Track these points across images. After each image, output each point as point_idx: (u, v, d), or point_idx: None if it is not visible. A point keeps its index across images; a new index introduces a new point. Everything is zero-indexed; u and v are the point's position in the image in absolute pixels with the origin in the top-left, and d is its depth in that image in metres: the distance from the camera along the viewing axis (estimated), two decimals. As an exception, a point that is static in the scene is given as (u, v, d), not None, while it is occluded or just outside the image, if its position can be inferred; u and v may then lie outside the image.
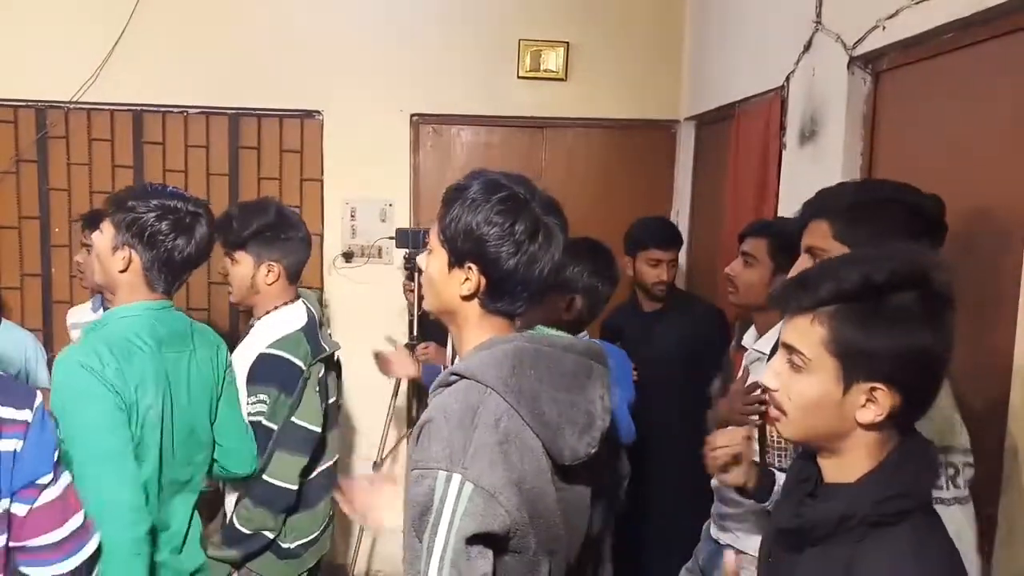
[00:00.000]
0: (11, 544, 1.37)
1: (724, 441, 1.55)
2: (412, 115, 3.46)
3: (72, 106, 3.38)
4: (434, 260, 1.30)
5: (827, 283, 1.01)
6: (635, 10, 3.45)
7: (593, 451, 1.26)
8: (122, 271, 1.73)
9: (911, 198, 1.39)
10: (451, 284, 1.28)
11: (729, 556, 1.32)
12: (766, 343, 1.97)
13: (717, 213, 2.87)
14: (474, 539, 1.12)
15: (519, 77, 3.41)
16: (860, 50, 2.01)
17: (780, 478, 1.57)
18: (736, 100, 2.83)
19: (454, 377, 1.24)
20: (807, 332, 1.03)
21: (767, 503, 1.57)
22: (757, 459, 1.71)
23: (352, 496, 1.52)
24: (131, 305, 1.75)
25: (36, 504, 1.39)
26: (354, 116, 3.40)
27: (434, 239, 1.30)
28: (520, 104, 3.45)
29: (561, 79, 3.42)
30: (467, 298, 1.27)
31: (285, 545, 2.11)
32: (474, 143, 3.59)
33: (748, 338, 2.04)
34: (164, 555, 1.78)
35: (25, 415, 1.39)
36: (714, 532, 1.99)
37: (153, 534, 1.70)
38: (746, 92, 2.75)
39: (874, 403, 1.00)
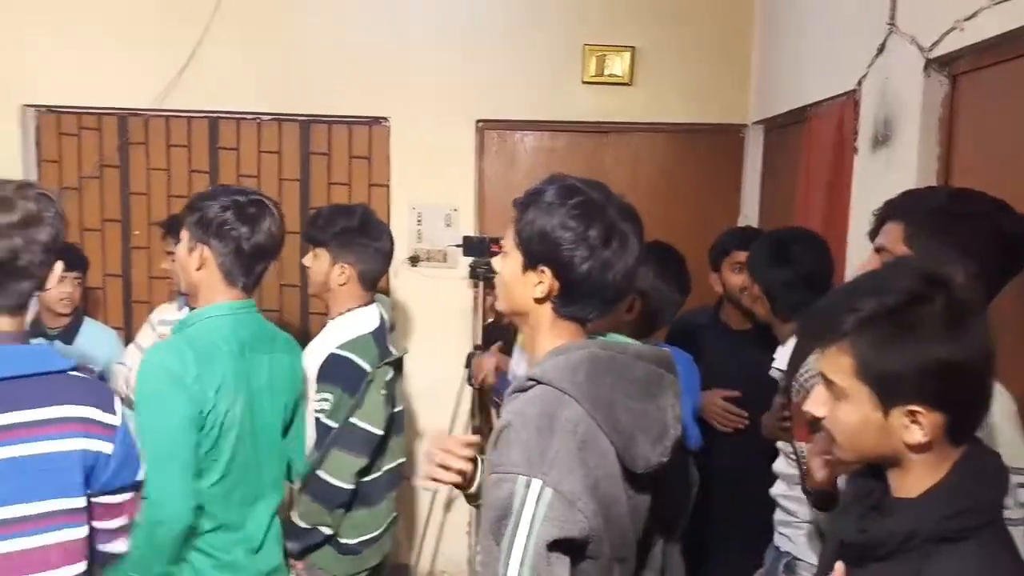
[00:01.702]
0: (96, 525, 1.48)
1: (816, 450, 1.53)
2: (477, 121, 3.49)
3: (152, 114, 3.51)
4: (508, 262, 1.32)
5: (847, 314, 1.01)
6: (702, 13, 3.41)
7: (665, 460, 1.26)
8: (199, 268, 1.81)
9: (1001, 218, 1.32)
10: (524, 286, 1.29)
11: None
12: (782, 360, 1.96)
13: (787, 220, 2.81)
14: (554, 545, 1.13)
15: (584, 82, 3.41)
16: (936, 52, 1.95)
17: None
18: (806, 104, 2.77)
19: (531, 382, 1.25)
20: (837, 362, 1.02)
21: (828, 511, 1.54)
22: None
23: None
24: (215, 305, 1.81)
25: (127, 498, 1.52)
26: (420, 122, 3.45)
27: (509, 241, 1.32)
28: (584, 109, 3.45)
29: (626, 83, 3.40)
30: (540, 301, 1.29)
31: (345, 541, 2.17)
32: (538, 148, 3.60)
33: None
34: (237, 556, 1.83)
35: (113, 419, 1.47)
36: (776, 539, 1.96)
37: (191, 531, 1.75)
38: (817, 96, 2.69)
39: (918, 424, 0.98)
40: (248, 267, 1.83)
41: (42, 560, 1.38)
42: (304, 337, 3.30)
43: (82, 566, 1.45)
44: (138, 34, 3.42)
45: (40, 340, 2.66)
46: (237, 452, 1.79)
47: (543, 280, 1.27)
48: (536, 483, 1.14)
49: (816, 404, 1.08)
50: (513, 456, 1.17)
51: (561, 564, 1.14)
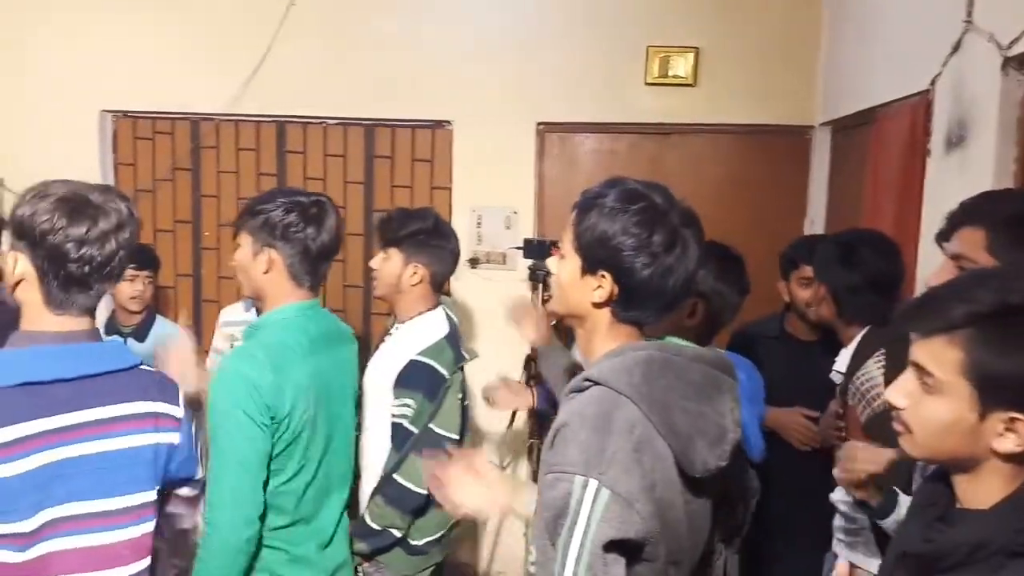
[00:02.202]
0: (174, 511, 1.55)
1: (867, 457, 1.50)
2: (538, 123, 3.50)
3: (222, 119, 3.62)
4: (566, 265, 1.31)
5: (960, 305, 0.96)
6: (768, 12, 3.35)
7: (723, 464, 1.25)
8: (266, 272, 1.81)
9: None
10: (582, 290, 1.28)
11: (842, 568, 1.29)
12: (843, 362, 1.91)
13: (854, 223, 2.74)
14: (610, 545, 1.12)
15: (646, 84, 3.38)
16: (1015, 50, 1.87)
17: (904, 499, 1.50)
18: (876, 105, 2.70)
19: (587, 383, 1.24)
20: (941, 354, 0.97)
21: (887, 521, 1.50)
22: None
23: (442, 481, 1.53)
24: (285, 307, 1.83)
25: (184, 493, 1.57)
26: (482, 125, 3.47)
27: (567, 244, 1.31)
28: (647, 111, 3.42)
29: (690, 84, 3.37)
30: (598, 305, 1.28)
31: (414, 542, 2.19)
32: (599, 150, 3.59)
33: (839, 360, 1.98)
34: (309, 550, 1.87)
35: (177, 411, 1.51)
36: (835, 545, 1.93)
37: (265, 527, 1.79)
38: (887, 96, 2.61)
39: (1014, 433, 0.94)
40: (315, 267, 1.84)
41: (115, 555, 1.41)
42: (366, 337, 3.37)
43: (147, 561, 1.47)
44: (210, 43, 3.53)
45: (115, 337, 2.76)
46: (311, 449, 1.82)
47: (602, 285, 1.26)
48: (593, 483, 1.13)
49: (898, 394, 1.04)
50: (570, 456, 1.16)
51: (617, 565, 1.13)
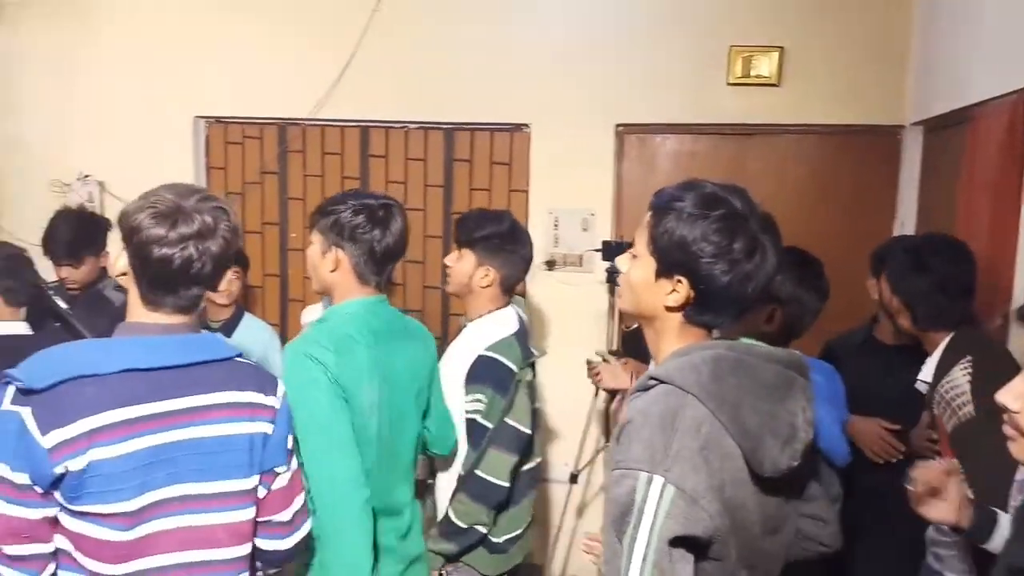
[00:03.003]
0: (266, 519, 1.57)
1: (920, 475, 1.45)
2: (617, 125, 3.48)
3: (309, 123, 3.73)
4: (639, 266, 1.30)
5: None
6: (856, 9, 3.25)
7: (795, 464, 1.22)
8: (333, 271, 1.88)
9: None
10: (656, 293, 1.28)
11: None
12: (928, 370, 1.84)
13: (947, 227, 2.64)
14: (676, 541, 1.12)
15: (728, 84, 3.33)
16: None
17: (1004, 518, 1.44)
18: (972, 103, 2.58)
19: (653, 381, 1.24)
20: None
21: (987, 542, 1.44)
22: (970, 496, 1.56)
23: None
24: (350, 302, 1.90)
25: (273, 488, 1.57)
26: (560, 128, 3.48)
27: (641, 246, 1.30)
28: (728, 111, 3.37)
29: (774, 84, 3.30)
30: (671, 309, 1.27)
31: (495, 540, 2.21)
32: (679, 152, 3.55)
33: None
34: (390, 540, 1.92)
35: (273, 401, 1.56)
36: (928, 558, 1.86)
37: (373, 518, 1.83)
38: (984, 94, 2.50)
39: None
40: (379, 267, 1.90)
41: (209, 537, 1.46)
42: (445, 337, 3.42)
43: (247, 548, 1.53)
44: (297, 51, 3.64)
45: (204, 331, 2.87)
46: (379, 440, 1.86)
47: (677, 290, 1.25)
48: (658, 480, 1.13)
49: (1011, 396, 1.01)
50: (635, 453, 1.17)
51: (684, 561, 1.13)
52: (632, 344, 2.86)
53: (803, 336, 1.96)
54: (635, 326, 2.78)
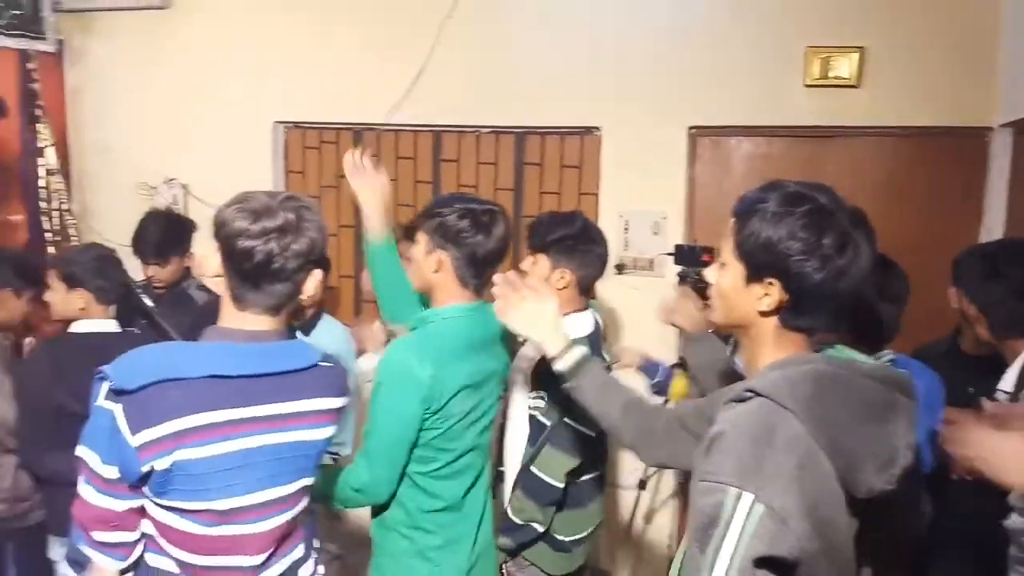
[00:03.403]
0: None
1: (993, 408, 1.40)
2: (690, 128, 3.44)
3: (383, 128, 3.80)
4: (728, 274, 1.28)
5: None
6: (941, 8, 3.14)
7: (890, 488, 1.18)
8: (435, 271, 1.91)
9: None
10: (747, 299, 1.26)
11: None
12: (1009, 380, 1.75)
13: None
14: (761, 561, 1.09)
15: (805, 85, 3.26)
16: None
17: None
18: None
19: (749, 393, 1.21)
20: None
21: None
22: None
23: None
24: (452, 307, 1.93)
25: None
26: (631, 130, 3.46)
27: (728, 253, 1.28)
28: (805, 113, 3.29)
29: (853, 86, 3.21)
30: (765, 314, 1.25)
31: (560, 538, 2.21)
32: (753, 154, 3.48)
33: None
34: (459, 532, 1.96)
35: (338, 403, 1.61)
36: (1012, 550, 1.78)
37: (420, 511, 1.92)
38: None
39: None
40: (480, 271, 1.92)
41: (284, 531, 1.53)
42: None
43: (301, 534, 1.60)
44: (372, 58, 3.71)
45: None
46: (464, 440, 1.91)
47: (770, 293, 1.23)
48: (747, 497, 1.10)
49: None
50: (725, 466, 1.14)
51: None
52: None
53: (891, 344, 1.91)
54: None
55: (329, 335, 3.06)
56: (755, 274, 1.24)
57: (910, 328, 1.99)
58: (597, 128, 3.55)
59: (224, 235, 1.45)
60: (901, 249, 2.03)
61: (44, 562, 2.56)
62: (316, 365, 1.56)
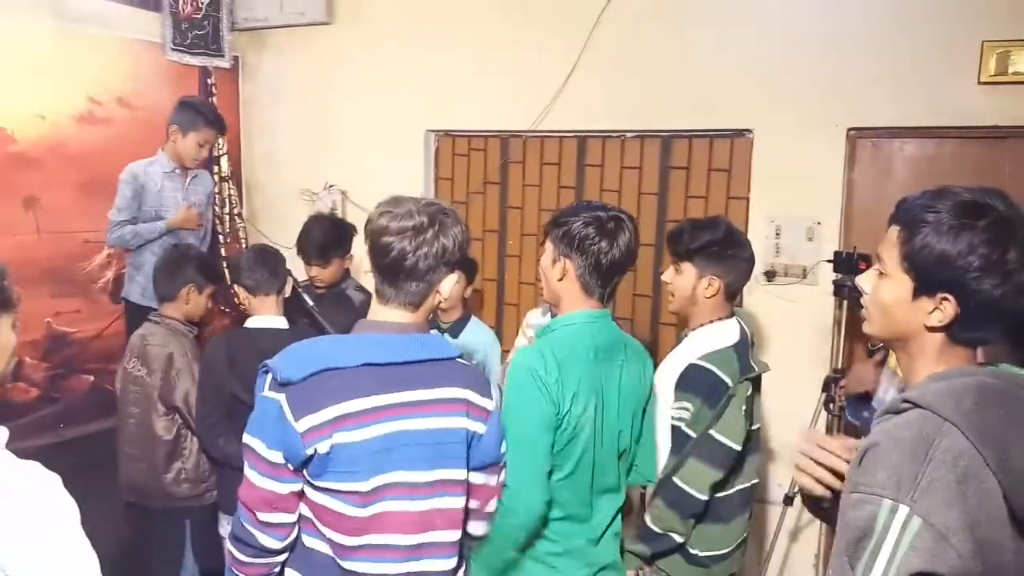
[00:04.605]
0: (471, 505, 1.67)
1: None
2: (848, 129, 3.28)
3: (529, 135, 3.86)
4: (892, 286, 1.22)
5: None
6: None
7: None
8: (560, 279, 1.93)
9: None
10: (914, 313, 1.20)
11: None
12: None
13: None
14: None
15: (980, 83, 3.03)
16: None
17: None
18: None
19: (907, 405, 1.15)
20: None
21: None
22: None
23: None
24: (575, 313, 1.94)
25: (488, 482, 1.69)
26: (785, 133, 3.34)
27: (892, 263, 1.22)
28: (978, 113, 3.06)
29: (1035, 82, 2.96)
30: (933, 329, 1.19)
31: (694, 552, 2.17)
32: (918, 157, 3.27)
33: None
34: (579, 543, 1.95)
35: (488, 404, 1.66)
36: None
37: (541, 522, 1.88)
38: None
39: None
40: (605, 280, 1.92)
41: (430, 522, 1.59)
42: (654, 346, 3.40)
43: (459, 533, 1.65)
44: (520, 67, 3.78)
45: (435, 331, 3.06)
46: (586, 450, 1.90)
47: (942, 308, 1.17)
48: (903, 510, 1.06)
49: None
50: (879, 478, 1.09)
51: None
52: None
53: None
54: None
55: (476, 338, 3.16)
56: (926, 289, 1.18)
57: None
58: (749, 131, 3.45)
59: (369, 232, 1.59)
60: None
61: (215, 539, 2.79)
62: (454, 359, 1.65)
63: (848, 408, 2.61)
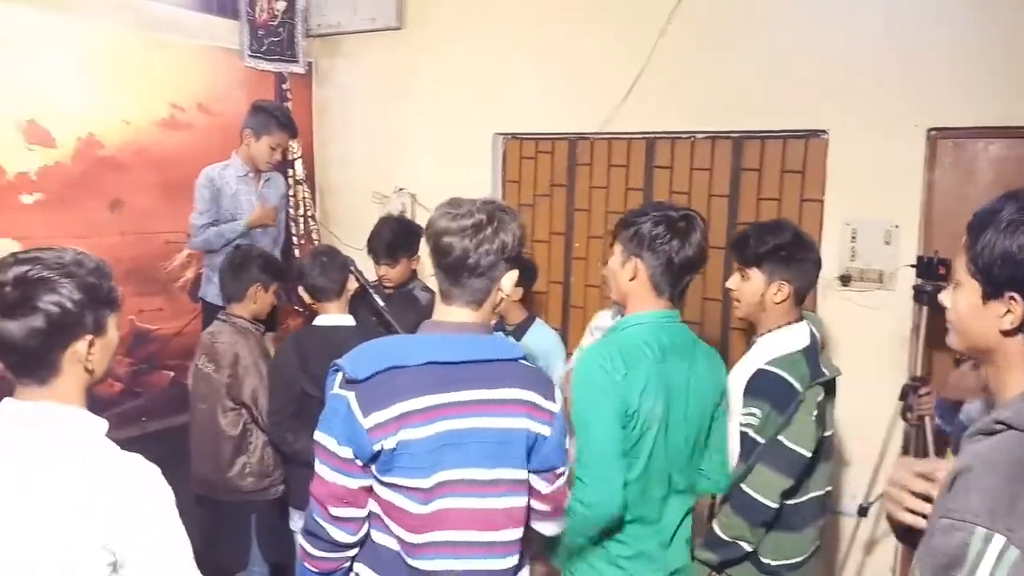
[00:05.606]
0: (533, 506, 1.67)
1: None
2: (929, 130, 3.16)
3: (596, 137, 3.85)
4: (963, 295, 1.18)
5: None
6: None
7: None
8: (631, 279, 1.93)
9: None
10: (987, 319, 1.15)
11: None
12: None
13: None
14: None
15: (1071, 79, 2.89)
16: None
17: None
18: None
19: (1000, 426, 1.09)
20: None
21: None
22: None
23: None
24: (642, 313, 1.94)
25: (554, 485, 1.70)
26: (862, 134, 3.24)
27: (962, 272, 1.18)
28: (1074, 110, 2.91)
29: None
30: (1009, 333, 1.13)
31: (765, 561, 2.13)
32: (1004, 158, 3.13)
33: None
34: (650, 546, 1.94)
35: (552, 406, 1.67)
36: None
37: (613, 524, 1.89)
38: None
39: None
40: (675, 279, 1.91)
41: (491, 520, 1.60)
42: (724, 351, 3.34)
43: (520, 532, 1.66)
44: (587, 68, 3.77)
45: (499, 333, 3.09)
46: (655, 451, 1.89)
47: (1012, 309, 1.12)
48: (999, 539, 0.99)
49: None
50: (972, 504, 1.03)
51: None
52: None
53: None
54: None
55: (540, 340, 3.17)
56: (993, 291, 1.13)
57: None
58: (824, 131, 3.36)
59: (430, 233, 1.62)
60: None
61: (281, 533, 2.86)
62: (517, 360, 1.66)
63: (941, 415, 2.51)
